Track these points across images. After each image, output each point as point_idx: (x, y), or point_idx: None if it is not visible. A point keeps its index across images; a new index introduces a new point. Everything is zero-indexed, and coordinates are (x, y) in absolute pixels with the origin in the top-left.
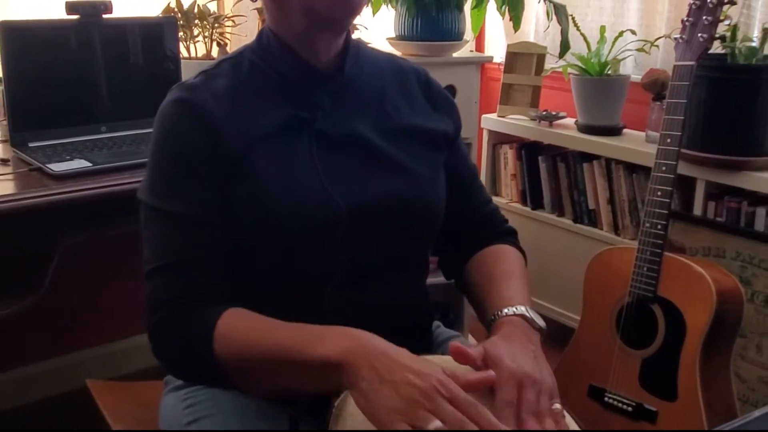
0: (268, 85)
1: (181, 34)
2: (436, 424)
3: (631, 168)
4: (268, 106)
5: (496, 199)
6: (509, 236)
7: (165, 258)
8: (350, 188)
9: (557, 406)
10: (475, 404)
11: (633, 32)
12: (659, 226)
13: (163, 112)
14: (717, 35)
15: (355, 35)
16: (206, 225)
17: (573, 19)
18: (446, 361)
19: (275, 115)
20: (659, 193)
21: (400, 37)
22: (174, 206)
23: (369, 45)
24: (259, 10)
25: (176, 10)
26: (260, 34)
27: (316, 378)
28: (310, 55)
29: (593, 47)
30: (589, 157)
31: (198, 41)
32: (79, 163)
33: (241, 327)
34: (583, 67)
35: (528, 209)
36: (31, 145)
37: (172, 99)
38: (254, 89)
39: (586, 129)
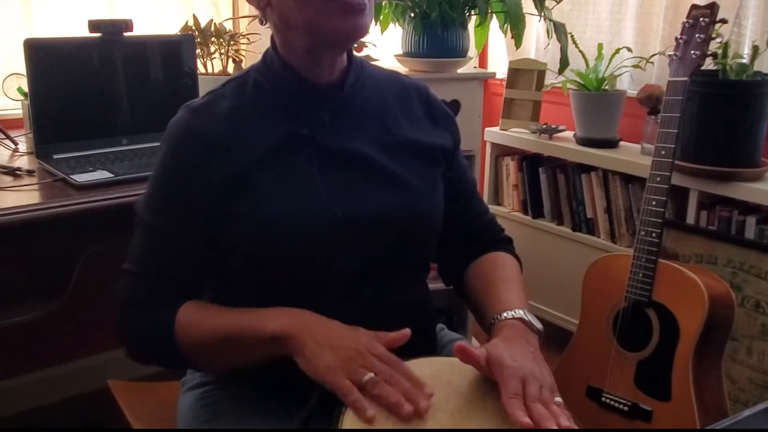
0: (271, 102)
1: (198, 51)
2: (370, 375)
3: (628, 179)
4: (270, 123)
5: (498, 209)
6: (505, 244)
7: (140, 266)
8: (349, 201)
9: (559, 399)
10: (397, 360)
11: (629, 49)
12: (654, 234)
13: (168, 132)
14: (709, 52)
15: (364, 52)
16: (182, 245)
17: (572, 37)
18: (450, 363)
19: (277, 131)
20: (654, 203)
21: (408, 54)
22: (158, 222)
23: (375, 62)
24: None
25: (194, 28)
26: (265, 54)
27: (264, 351)
28: (312, 74)
29: (591, 64)
30: (587, 169)
31: (214, 58)
32: (101, 174)
33: (196, 313)
34: (582, 82)
35: (529, 218)
36: (55, 156)
37: (176, 122)
38: (257, 107)
39: (585, 142)
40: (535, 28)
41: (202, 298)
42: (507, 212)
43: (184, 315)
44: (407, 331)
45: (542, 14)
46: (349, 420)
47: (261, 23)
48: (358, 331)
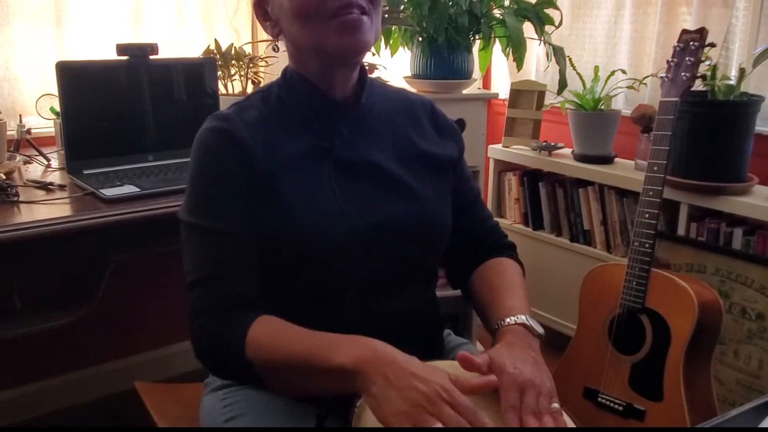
0: (293, 116)
1: (219, 73)
2: (439, 425)
3: (622, 193)
4: (292, 135)
5: (500, 221)
6: (509, 250)
7: (204, 270)
8: (366, 210)
9: (556, 405)
10: (473, 409)
11: (623, 71)
12: (647, 245)
13: (200, 139)
14: (698, 74)
15: (374, 74)
16: (240, 239)
17: (570, 59)
18: (455, 366)
19: (299, 143)
20: (647, 215)
21: (416, 76)
22: (211, 223)
23: (386, 82)
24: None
25: (215, 51)
26: (284, 71)
27: (333, 382)
28: (328, 89)
29: (588, 85)
30: (584, 183)
31: (235, 79)
32: (129, 189)
33: (269, 334)
34: (579, 102)
35: (530, 230)
36: (85, 172)
37: (208, 127)
38: (280, 120)
39: (582, 158)
40: (535, 51)
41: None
42: (509, 224)
43: (258, 332)
44: (493, 378)
45: (542, 38)
46: (363, 418)
47: (275, 50)
48: (434, 373)
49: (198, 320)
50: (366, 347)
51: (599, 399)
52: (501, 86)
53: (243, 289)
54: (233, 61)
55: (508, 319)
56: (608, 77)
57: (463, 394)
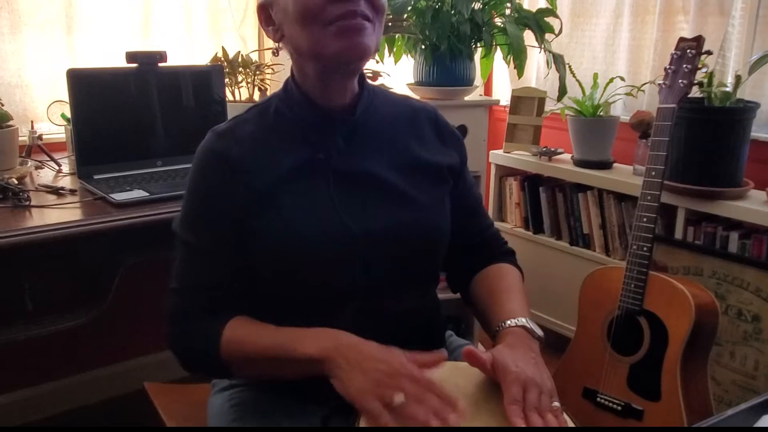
0: (289, 128)
1: (227, 80)
2: (400, 397)
3: (621, 197)
4: (289, 148)
5: (502, 225)
6: (509, 256)
7: (182, 281)
8: (364, 219)
9: (556, 404)
10: (430, 380)
11: (622, 79)
12: (645, 248)
13: (196, 156)
14: (695, 81)
15: (378, 81)
16: (218, 257)
17: (569, 67)
18: (458, 367)
19: (296, 156)
20: (645, 219)
21: (419, 83)
22: (193, 239)
23: (390, 89)
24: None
25: (223, 59)
26: (285, 83)
27: (301, 370)
28: (325, 100)
29: (587, 92)
30: (583, 188)
31: (242, 86)
32: (138, 193)
33: (241, 332)
34: (579, 109)
35: (530, 233)
36: (95, 177)
37: (204, 146)
38: (277, 133)
39: (581, 163)
40: (535, 59)
41: (242, 307)
42: (510, 228)
43: (230, 331)
44: (444, 353)
45: (542, 46)
46: (365, 419)
47: (274, 54)
48: (391, 353)
49: (172, 327)
50: (329, 337)
51: (598, 399)
52: (502, 93)
53: (214, 302)
54: (240, 69)
55: (508, 322)
56: (607, 84)
57: (420, 368)
